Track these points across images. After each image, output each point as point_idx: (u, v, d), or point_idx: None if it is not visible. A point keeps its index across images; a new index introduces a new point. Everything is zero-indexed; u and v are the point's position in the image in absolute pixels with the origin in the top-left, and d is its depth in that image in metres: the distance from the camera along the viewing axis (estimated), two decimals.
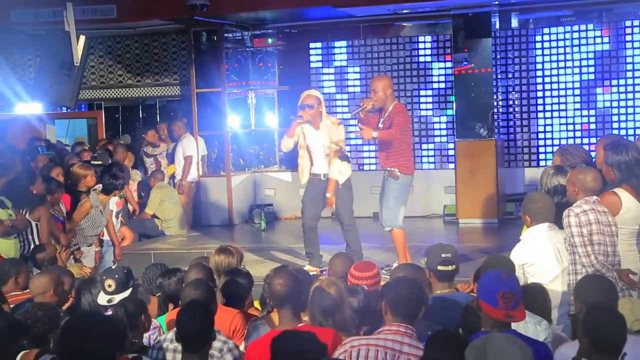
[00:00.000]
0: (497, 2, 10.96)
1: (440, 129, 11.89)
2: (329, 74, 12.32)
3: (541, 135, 11.57)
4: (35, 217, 7.61)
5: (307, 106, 7.91)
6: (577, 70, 11.29)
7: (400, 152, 7.81)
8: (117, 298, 5.30)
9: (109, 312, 4.84)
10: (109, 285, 5.39)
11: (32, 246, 7.62)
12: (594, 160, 6.32)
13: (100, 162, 10.35)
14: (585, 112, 11.32)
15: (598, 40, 11.19)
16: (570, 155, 6.20)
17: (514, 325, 4.02)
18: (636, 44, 11.04)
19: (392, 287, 4.17)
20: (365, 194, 11.66)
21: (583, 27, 11.29)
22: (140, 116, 15.17)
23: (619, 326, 3.71)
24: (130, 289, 5.48)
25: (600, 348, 3.66)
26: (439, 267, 4.96)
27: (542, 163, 11.31)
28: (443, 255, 4.96)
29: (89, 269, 7.72)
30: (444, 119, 11.85)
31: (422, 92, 11.86)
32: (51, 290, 5.38)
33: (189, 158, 11.64)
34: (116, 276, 5.45)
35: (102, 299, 5.38)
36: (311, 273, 6.57)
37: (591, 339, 3.68)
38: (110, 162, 10.43)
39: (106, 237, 8.81)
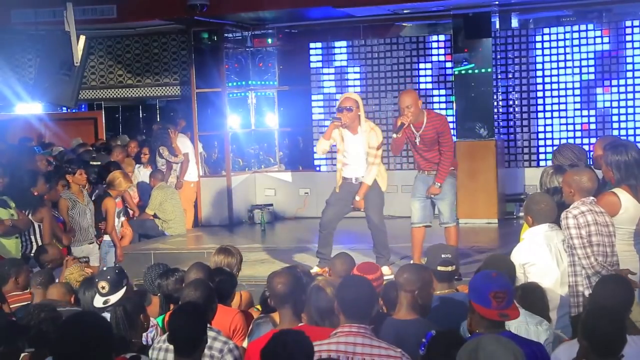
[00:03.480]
0: (497, 2, 10.95)
1: None
2: (329, 74, 12.31)
3: (541, 135, 11.56)
4: (37, 218, 7.64)
5: (346, 109, 7.72)
6: (577, 70, 11.29)
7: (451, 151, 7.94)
8: (113, 299, 5.28)
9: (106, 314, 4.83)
10: (103, 287, 5.37)
11: (33, 246, 7.63)
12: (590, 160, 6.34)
13: (99, 163, 10.37)
14: (585, 112, 11.31)
15: (598, 40, 11.19)
16: (560, 156, 6.22)
17: (514, 327, 4.01)
18: (636, 44, 11.03)
19: (341, 288, 4.13)
20: None
21: (583, 27, 11.29)
22: (141, 116, 15.20)
23: (618, 328, 3.70)
24: (124, 287, 5.47)
25: (598, 350, 3.65)
26: (439, 268, 4.96)
27: (542, 163, 11.30)
28: (443, 255, 4.96)
29: (93, 268, 7.73)
30: None
31: (422, 92, 11.85)
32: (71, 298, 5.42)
33: (185, 156, 11.65)
34: (108, 277, 5.42)
35: (98, 301, 5.36)
36: (319, 274, 6.56)
37: (590, 341, 3.67)
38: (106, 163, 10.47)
39: (107, 238, 8.82)
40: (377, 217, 8.06)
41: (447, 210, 7.86)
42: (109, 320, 4.10)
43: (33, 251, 7.59)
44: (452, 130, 8.15)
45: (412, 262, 7.36)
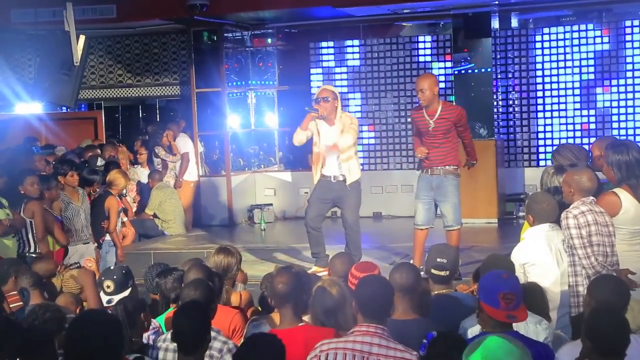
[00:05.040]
0: (497, 2, 10.96)
1: None
2: (329, 73, 12.31)
3: (541, 135, 11.57)
4: (28, 214, 7.58)
5: (323, 99, 7.75)
6: (577, 70, 11.30)
7: (457, 149, 7.83)
8: (116, 299, 5.28)
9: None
10: (108, 286, 5.37)
11: (29, 245, 7.59)
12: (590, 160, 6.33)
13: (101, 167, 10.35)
14: (585, 112, 11.33)
15: (598, 40, 11.20)
16: (559, 156, 6.20)
17: (513, 326, 4.01)
18: (636, 44, 11.05)
19: (360, 287, 4.13)
20: (365, 194, 11.65)
21: (583, 27, 11.30)
22: (140, 116, 15.18)
23: (622, 328, 3.70)
24: (130, 288, 5.47)
25: (602, 350, 3.65)
26: (433, 271, 4.98)
27: (542, 163, 11.31)
28: (438, 259, 4.98)
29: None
30: None
31: None
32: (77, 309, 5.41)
33: (185, 155, 11.67)
34: (114, 277, 5.42)
35: (102, 299, 5.37)
36: (319, 274, 6.55)
37: (593, 341, 3.67)
38: (105, 162, 10.47)
39: (107, 238, 8.82)
40: (353, 217, 8.00)
41: (451, 212, 7.75)
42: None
43: (29, 250, 7.58)
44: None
45: (411, 261, 7.33)
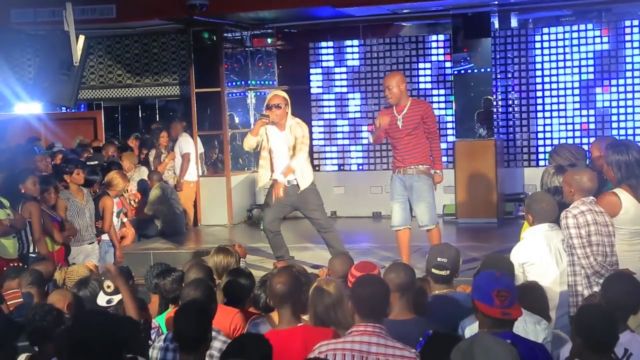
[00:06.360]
0: (496, 2, 10.96)
1: (439, 129, 11.86)
2: (328, 73, 12.31)
3: (540, 135, 11.57)
4: (25, 214, 7.58)
5: (275, 106, 7.85)
6: (576, 70, 11.30)
7: (428, 150, 7.81)
8: (116, 298, 5.30)
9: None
10: (108, 286, 5.38)
11: (25, 245, 7.59)
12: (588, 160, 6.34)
13: (96, 162, 10.37)
14: (584, 112, 11.32)
15: (598, 40, 11.20)
16: (558, 156, 6.21)
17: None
18: (636, 44, 11.04)
19: (355, 288, 4.14)
20: (365, 194, 11.71)
21: (583, 27, 11.30)
22: (140, 116, 15.20)
23: (611, 325, 3.73)
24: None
25: (592, 347, 3.68)
26: (433, 270, 4.98)
27: (541, 163, 11.31)
28: (439, 259, 4.99)
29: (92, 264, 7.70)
30: (443, 118, 11.84)
31: (422, 92, 11.85)
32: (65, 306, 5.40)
33: (186, 155, 11.67)
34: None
35: (102, 299, 5.38)
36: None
37: (583, 338, 3.70)
38: (106, 161, 10.48)
39: (106, 237, 8.82)
40: (321, 216, 8.05)
41: (425, 212, 7.72)
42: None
43: (29, 250, 7.59)
44: (437, 123, 8.05)
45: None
